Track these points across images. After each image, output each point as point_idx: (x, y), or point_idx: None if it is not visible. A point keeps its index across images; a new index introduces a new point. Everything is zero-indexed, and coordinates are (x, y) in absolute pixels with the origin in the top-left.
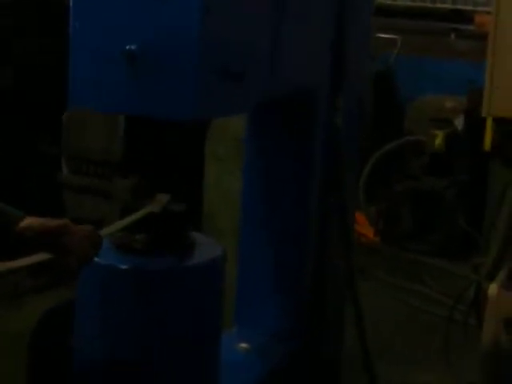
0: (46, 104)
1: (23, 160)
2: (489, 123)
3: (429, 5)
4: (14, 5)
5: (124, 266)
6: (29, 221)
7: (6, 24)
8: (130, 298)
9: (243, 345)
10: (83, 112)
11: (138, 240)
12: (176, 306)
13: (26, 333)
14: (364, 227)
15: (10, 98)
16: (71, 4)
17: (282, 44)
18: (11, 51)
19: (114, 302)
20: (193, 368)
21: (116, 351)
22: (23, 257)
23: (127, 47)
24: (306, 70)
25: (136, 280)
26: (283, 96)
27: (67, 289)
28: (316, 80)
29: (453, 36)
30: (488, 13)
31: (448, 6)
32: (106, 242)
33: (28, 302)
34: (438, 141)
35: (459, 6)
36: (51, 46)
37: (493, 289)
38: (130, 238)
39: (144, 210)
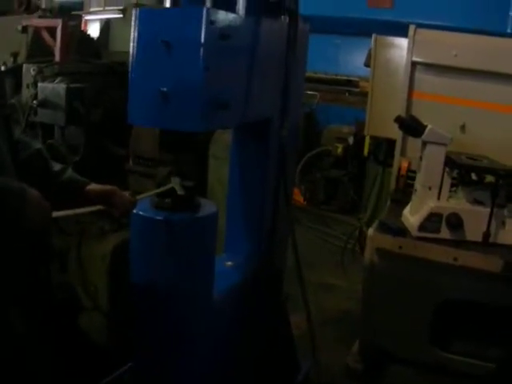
0: (119, 126)
1: (105, 158)
2: (367, 140)
3: (334, 76)
4: (100, 71)
5: (158, 218)
6: (92, 186)
7: (98, 83)
8: (162, 238)
9: (228, 263)
10: (141, 129)
11: (167, 202)
12: (190, 242)
13: (107, 255)
14: (298, 196)
15: (101, 125)
16: (130, 68)
17: (253, 91)
18: (101, 98)
19: (153, 241)
20: (199, 277)
21: (151, 274)
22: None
23: (161, 89)
24: (266, 107)
25: (166, 227)
26: (253, 120)
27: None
28: (272, 112)
29: (347, 94)
30: (367, 81)
31: (344, 77)
32: (148, 203)
33: (107, 238)
34: (339, 150)
35: (351, 78)
36: (121, 91)
37: (371, 231)
38: (162, 201)
39: (166, 187)
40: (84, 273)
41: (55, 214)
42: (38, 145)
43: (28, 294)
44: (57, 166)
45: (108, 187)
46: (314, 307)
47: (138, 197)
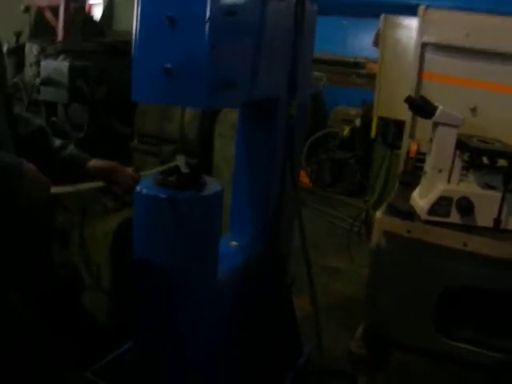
0: (124, 104)
1: (110, 137)
2: (374, 122)
3: (341, 58)
4: (104, 50)
5: (162, 196)
6: (93, 161)
7: (102, 61)
8: (166, 216)
9: (233, 243)
10: (146, 107)
11: (171, 180)
12: (194, 221)
13: (110, 233)
14: (304, 178)
15: (105, 103)
16: (133, 44)
17: (259, 68)
18: (105, 76)
19: (156, 219)
20: (203, 257)
21: (154, 253)
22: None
23: (165, 65)
24: (273, 85)
25: (170, 205)
26: (260, 99)
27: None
28: (279, 91)
29: (354, 76)
30: (374, 62)
31: (351, 59)
32: (152, 180)
33: (110, 216)
34: (346, 132)
35: (358, 59)
36: (125, 70)
37: (379, 214)
38: (166, 178)
39: (170, 164)
40: (86, 251)
41: (54, 189)
42: (39, 121)
43: (26, 271)
44: (58, 142)
45: (110, 163)
46: (318, 290)
47: (142, 173)
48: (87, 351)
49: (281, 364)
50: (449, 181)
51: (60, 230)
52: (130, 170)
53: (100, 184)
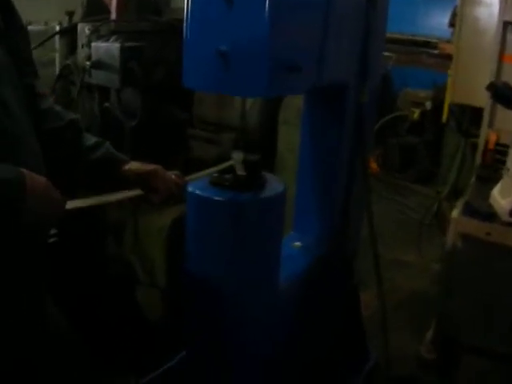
0: (181, 88)
1: (165, 123)
2: (446, 105)
3: (410, 37)
4: (160, 29)
5: (217, 198)
6: (130, 164)
7: (157, 42)
8: (221, 220)
9: (297, 243)
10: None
11: (227, 179)
12: (254, 225)
13: (165, 228)
14: (371, 163)
15: (160, 87)
16: (184, 24)
17: (327, 51)
18: (161, 58)
19: (211, 223)
20: (262, 263)
21: (208, 259)
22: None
23: (221, 48)
24: (343, 69)
25: (226, 209)
26: (327, 84)
27: None
28: (348, 75)
29: (424, 56)
30: (447, 42)
31: (422, 38)
32: (206, 180)
33: (167, 210)
34: (416, 115)
35: (429, 39)
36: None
37: (455, 213)
38: (222, 177)
39: (222, 165)
40: (141, 246)
41: (72, 203)
42: (72, 115)
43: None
44: (91, 140)
45: (150, 166)
46: (385, 285)
47: (188, 177)
48: (139, 352)
49: (347, 369)
50: None
51: (113, 223)
52: (172, 175)
53: (135, 193)
